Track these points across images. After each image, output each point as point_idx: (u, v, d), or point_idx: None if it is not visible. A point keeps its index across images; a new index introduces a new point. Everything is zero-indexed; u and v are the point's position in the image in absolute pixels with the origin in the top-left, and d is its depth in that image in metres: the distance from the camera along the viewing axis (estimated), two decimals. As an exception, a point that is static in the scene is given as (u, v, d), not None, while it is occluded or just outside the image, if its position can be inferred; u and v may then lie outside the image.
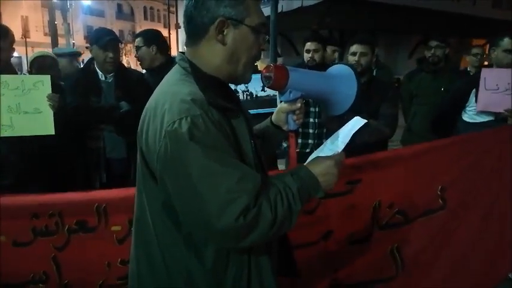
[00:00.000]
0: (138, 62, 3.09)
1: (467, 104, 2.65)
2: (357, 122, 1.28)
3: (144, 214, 1.13)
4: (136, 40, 3.06)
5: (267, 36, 1.21)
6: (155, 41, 2.99)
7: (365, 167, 1.97)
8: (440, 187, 2.05)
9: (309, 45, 3.21)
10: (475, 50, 4.19)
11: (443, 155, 2.08)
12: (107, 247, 1.74)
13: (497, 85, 2.33)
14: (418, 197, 2.06)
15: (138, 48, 3.01)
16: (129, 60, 30.16)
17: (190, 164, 0.95)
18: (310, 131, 3.08)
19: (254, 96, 2.91)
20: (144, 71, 3.15)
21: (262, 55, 1.20)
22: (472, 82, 2.63)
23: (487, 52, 2.63)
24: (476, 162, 2.09)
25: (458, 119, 2.74)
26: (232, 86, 1.22)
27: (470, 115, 2.63)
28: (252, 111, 1.66)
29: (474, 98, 2.55)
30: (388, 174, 2.01)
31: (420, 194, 2.06)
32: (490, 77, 2.38)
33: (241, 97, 2.83)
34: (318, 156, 1.19)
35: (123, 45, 3.07)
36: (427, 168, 2.05)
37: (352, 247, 2.02)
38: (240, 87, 2.86)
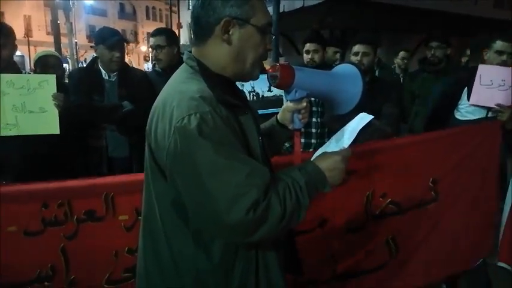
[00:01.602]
0: (153, 61, 2.97)
1: (459, 102, 2.68)
2: (363, 118, 1.29)
3: (153, 211, 1.14)
4: (155, 39, 2.84)
5: (274, 36, 1.22)
6: (177, 41, 2.92)
7: (360, 157, 1.97)
8: (431, 179, 2.10)
9: (308, 46, 3.18)
10: (469, 52, 4.19)
11: (437, 147, 2.13)
12: (115, 234, 1.77)
13: (491, 81, 2.41)
14: (412, 188, 2.10)
15: (159, 47, 2.80)
16: (131, 59, 30.25)
17: (200, 160, 0.96)
18: (313, 130, 3.08)
19: (261, 96, 2.90)
20: (146, 69, 3.12)
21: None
22: (464, 81, 2.68)
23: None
24: (468, 155, 2.15)
25: (450, 117, 2.76)
26: (239, 86, 1.23)
27: (462, 113, 2.66)
28: (259, 112, 1.67)
29: (466, 96, 2.60)
30: (381, 164, 2.03)
31: (413, 185, 2.10)
32: (485, 73, 2.45)
33: (247, 97, 2.83)
34: (324, 152, 1.20)
35: (126, 44, 3.01)
36: (421, 160, 2.08)
37: (347, 236, 2.04)
38: (247, 88, 2.85)
